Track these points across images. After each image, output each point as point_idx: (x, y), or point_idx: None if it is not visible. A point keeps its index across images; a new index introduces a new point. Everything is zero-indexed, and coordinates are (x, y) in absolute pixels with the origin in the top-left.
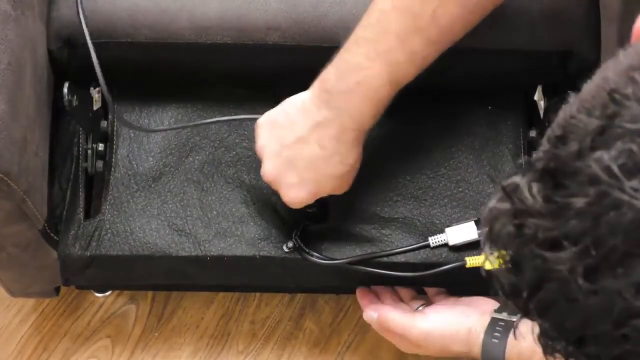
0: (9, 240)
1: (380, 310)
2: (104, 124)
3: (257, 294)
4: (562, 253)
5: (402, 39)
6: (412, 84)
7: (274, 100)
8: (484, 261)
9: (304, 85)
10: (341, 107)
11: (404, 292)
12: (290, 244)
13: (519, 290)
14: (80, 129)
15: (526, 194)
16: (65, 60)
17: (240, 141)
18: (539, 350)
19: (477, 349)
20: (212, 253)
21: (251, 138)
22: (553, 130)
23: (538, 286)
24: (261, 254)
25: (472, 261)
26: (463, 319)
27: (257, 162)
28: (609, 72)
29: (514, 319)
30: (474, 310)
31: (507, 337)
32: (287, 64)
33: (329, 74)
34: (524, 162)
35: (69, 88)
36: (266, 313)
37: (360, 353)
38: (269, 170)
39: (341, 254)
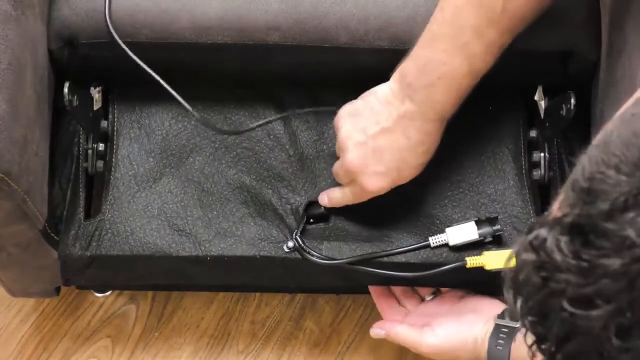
0: (9, 240)
1: (387, 329)
2: (104, 124)
3: (257, 294)
4: (594, 311)
5: (479, 33)
6: None
7: (274, 100)
8: (485, 263)
9: (304, 85)
10: (424, 100)
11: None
12: (290, 244)
13: (545, 339)
14: (81, 129)
15: (554, 248)
16: (66, 60)
17: (240, 141)
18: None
19: (483, 356)
20: (212, 253)
21: (251, 138)
22: (578, 180)
23: (567, 338)
24: (261, 254)
25: (472, 261)
26: (469, 330)
27: (257, 163)
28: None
29: (516, 325)
30: (479, 317)
31: (511, 343)
32: (288, 64)
33: (409, 69)
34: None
35: (69, 88)
36: (266, 313)
37: (361, 353)
38: (354, 159)
39: (341, 254)
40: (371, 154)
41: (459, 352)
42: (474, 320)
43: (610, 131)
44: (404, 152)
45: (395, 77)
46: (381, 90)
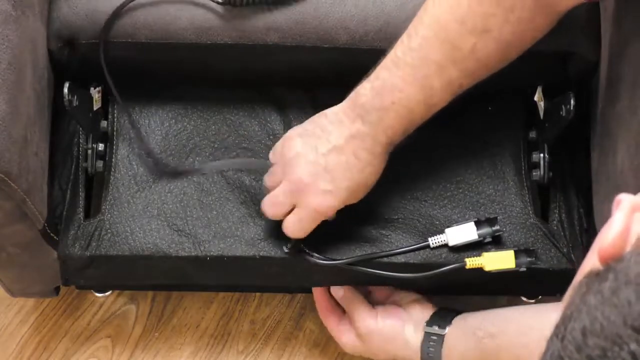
0: (9, 240)
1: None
2: (104, 124)
3: (257, 294)
4: None
5: (441, 68)
6: None
7: (274, 100)
8: (484, 264)
9: (304, 86)
10: (375, 122)
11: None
12: (290, 244)
13: None
14: (80, 129)
15: None
16: (65, 60)
17: (240, 142)
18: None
19: (415, 358)
20: (212, 253)
21: (251, 139)
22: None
23: None
24: (261, 254)
25: (471, 262)
26: (397, 337)
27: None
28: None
29: (444, 333)
30: (410, 322)
31: (441, 349)
32: (287, 64)
33: (364, 90)
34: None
35: (69, 88)
36: (266, 313)
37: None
38: (304, 176)
39: (341, 254)
40: (322, 172)
41: (387, 347)
42: (405, 320)
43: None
44: (354, 172)
45: (350, 96)
46: (331, 111)
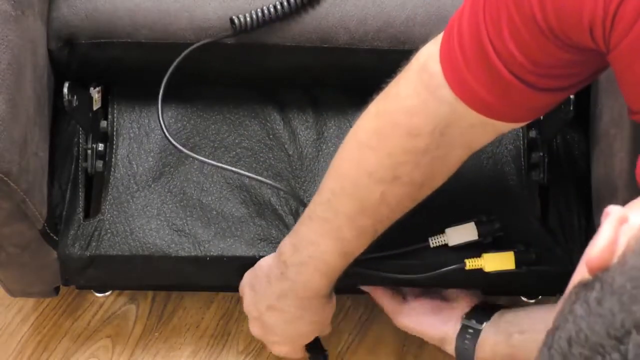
0: (9, 240)
1: (373, 290)
2: (104, 124)
3: None
4: None
5: (352, 219)
6: None
7: (274, 100)
8: (484, 265)
9: (303, 86)
10: (295, 279)
11: None
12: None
13: None
14: (80, 129)
15: None
16: (65, 60)
17: (240, 141)
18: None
19: (450, 349)
20: (211, 253)
21: (251, 138)
22: None
23: None
24: (261, 254)
25: (471, 263)
26: (441, 325)
27: (256, 163)
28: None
29: (480, 328)
30: (453, 314)
31: (475, 343)
32: (287, 64)
33: (286, 246)
34: (523, 164)
35: (69, 88)
36: None
37: (360, 353)
38: (255, 331)
39: None
40: (266, 328)
41: (427, 338)
42: (447, 318)
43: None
44: (291, 324)
45: (277, 251)
46: (267, 264)
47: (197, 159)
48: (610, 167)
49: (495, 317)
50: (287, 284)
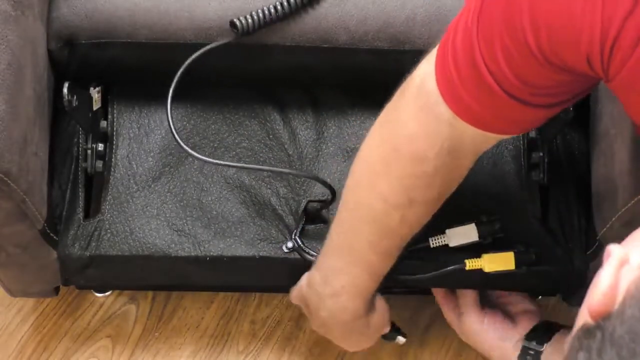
0: (8, 240)
1: (439, 298)
2: (103, 124)
3: (257, 294)
4: None
5: (375, 244)
6: None
7: (274, 100)
8: (483, 265)
9: (303, 86)
10: (332, 308)
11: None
12: (290, 244)
13: None
14: (80, 129)
15: None
16: (65, 60)
17: (240, 141)
18: None
19: None
20: (211, 253)
21: (251, 138)
22: None
23: None
24: (261, 254)
25: (471, 264)
26: (500, 340)
27: (256, 163)
28: None
29: (541, 350)
30: (515, 332)
31: None
32: (287, 64)
33: (315, 278)
34: (523, 164)
35: (69, 88)
36: (266, 313)
37: (361, 353)
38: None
39: None
40: (330, 337)
41: (483, 350)
42: (507, 336)
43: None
44: (345, 340)
45: (307, 279)
46: (305, 290)
47: (210, 162)
48: (610, 167)
49: (557, 337)
50: (325, 313)
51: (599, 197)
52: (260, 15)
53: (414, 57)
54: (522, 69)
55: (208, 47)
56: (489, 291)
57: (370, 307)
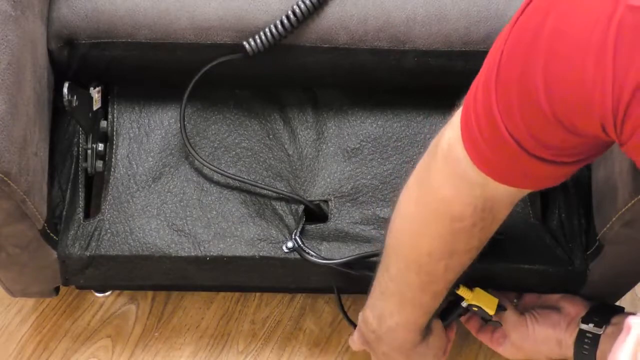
0: (9, 240)
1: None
2: (104, 123)
3: (257, 294)
4: None
5: (424, 289)
6: (414, 85)
7: (274, 100)
8: (469, 297)
9: (304, 85)
10: (391, 343)
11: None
12: (290, 244)
13: None
14: (80, 129)
15: None
16: (65, 60)
17: (240, 141)
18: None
19: (569, 354)
20: (211, 253)
21: (251, 138)
22: None
23: None
24: (261, 254)
25: (462, 291)
26: (552, 330)
27: (256, 163)
28: None
29: (600, 332)
30: (562, 317)
31: (596, 349)
32: (287, 64)
33: (369, 319)
34: None
35: (69, 88)
36: (266, 313)
37: (360, 353)
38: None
39: (341, 254)
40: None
41: (541, 349)
42: (556, 321)
43: None
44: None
45: (361, 319)
46: (362, 330)
47: (216, 171)
48: (610, 167)
49: (614, 320)
50: (385, 347)
51: (599, 197)
52: (269, 35)
53: (414, 57)
54: (537, 129)
55: (222, 59)
56: (526, 300)
57: (427, 332)
